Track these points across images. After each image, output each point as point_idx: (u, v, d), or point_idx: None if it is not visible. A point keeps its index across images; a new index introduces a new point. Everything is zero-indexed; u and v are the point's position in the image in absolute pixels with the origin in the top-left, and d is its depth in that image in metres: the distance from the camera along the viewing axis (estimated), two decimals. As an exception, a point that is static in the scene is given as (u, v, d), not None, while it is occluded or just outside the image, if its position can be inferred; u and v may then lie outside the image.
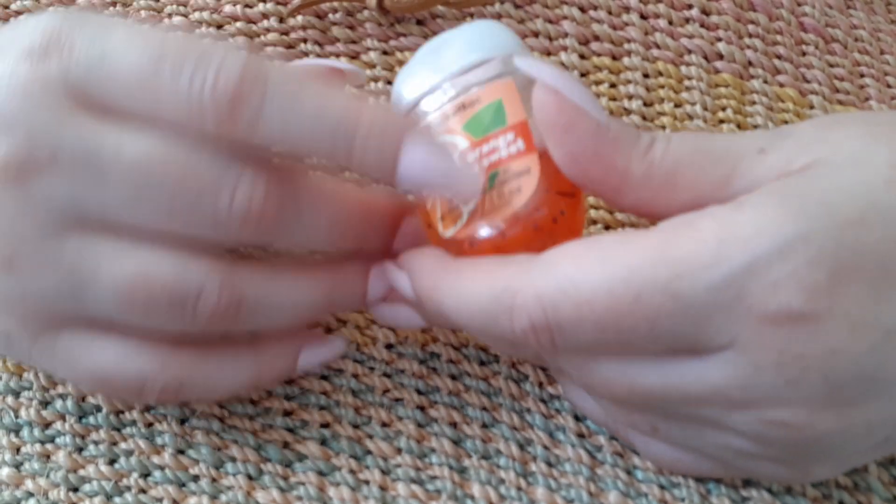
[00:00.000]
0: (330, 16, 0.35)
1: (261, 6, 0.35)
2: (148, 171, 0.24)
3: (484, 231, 0.26)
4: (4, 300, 0.26)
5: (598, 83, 0.35)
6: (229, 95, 0.24)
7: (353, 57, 0.34)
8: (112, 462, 0.29)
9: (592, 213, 0.32)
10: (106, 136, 0.24)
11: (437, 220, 0.27)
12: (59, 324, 0.26)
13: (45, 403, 0.30)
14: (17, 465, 0.29)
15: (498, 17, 0.35)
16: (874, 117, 0.25)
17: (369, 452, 0.29)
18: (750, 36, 0.36)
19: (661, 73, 0.35)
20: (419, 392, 0.30)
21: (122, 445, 0.29)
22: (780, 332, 0.23)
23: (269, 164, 0.26)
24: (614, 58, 0.35)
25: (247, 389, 0.29)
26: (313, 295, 0.27)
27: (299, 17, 0.35)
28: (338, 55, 0.34)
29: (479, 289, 0.25)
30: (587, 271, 0.24)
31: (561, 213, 0.26)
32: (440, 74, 0.27)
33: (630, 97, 0.34)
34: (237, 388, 0.28)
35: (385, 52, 0.35)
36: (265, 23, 0.34)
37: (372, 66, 0.34)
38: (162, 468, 0.29)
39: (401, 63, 0.34)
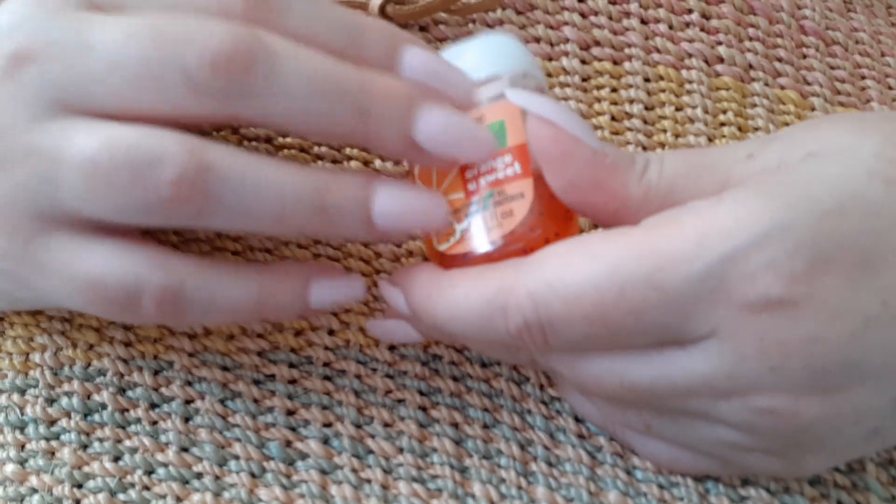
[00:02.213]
0: (333, 23, 0.35)
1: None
2: (130, 41, 0.24)
3: (475, 250, 0.26)
4: None
5: (599, 88, 0.35)
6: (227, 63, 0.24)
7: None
8: (116, 459, 0.29)
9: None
10: (94, 21, 0.25)
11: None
12: (49, 224, 0.26)
13: (50, 401, 0.30)
14: (22, 462, 0.30)
15: (500, 23, 0.35)
16: (864, 114, 0.26)
17: (371, 452, 0.29)
18: (750, 39, 0.36)
19: (661, 78, 0.35)
20: (421, 393, 0.30)
21: (127, 443, 0.29)
22: (760, 319, 0.23)
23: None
24: (615, 62, 0.35)
25: (251, 315, 0.27)
26: (287, 189, 0.25)
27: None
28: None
29: (472, 293, 0.25)
30: (574, 268, 0.24)
31: (555, 234, 0.26)
32: None
33: (631, 101, 0.35)
34: (240, 309, 0.26)
35: (388, 58, 0.35)
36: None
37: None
38: (166, 465, 0.29)
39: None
